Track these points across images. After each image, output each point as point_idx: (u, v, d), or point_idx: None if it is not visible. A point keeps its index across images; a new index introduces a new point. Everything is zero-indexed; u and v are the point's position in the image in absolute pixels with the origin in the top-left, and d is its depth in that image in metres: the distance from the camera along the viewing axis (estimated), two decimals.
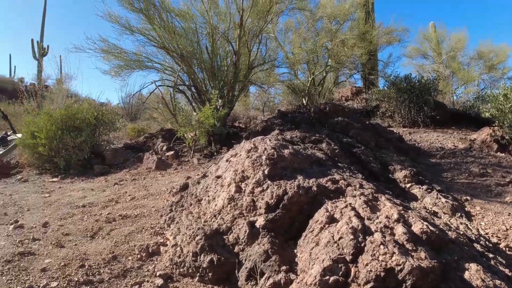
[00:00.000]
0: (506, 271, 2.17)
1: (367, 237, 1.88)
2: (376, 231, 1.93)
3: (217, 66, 7.29)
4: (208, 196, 3.26)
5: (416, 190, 4.36)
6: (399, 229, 1.92)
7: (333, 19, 9.04)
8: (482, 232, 3.75)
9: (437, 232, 2.04)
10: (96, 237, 3.26)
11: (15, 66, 30.41)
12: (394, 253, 1.74)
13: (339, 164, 3.78)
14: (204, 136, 6.26)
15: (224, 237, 2.59)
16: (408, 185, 4.43)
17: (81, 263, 2.66)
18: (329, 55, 9.38)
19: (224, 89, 7.14)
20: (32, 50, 23.83)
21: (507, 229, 3.83)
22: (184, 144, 6.68)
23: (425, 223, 2.08)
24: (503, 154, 7.08)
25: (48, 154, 6.04)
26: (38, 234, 3.26)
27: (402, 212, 2.15)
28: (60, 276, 2.47)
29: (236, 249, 2.48)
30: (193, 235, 2.60)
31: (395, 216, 2.06)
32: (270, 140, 3.48)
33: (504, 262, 2.40)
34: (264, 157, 3.07)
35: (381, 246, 1.78)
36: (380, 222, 2.00)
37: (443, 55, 14.53)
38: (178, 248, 2.66)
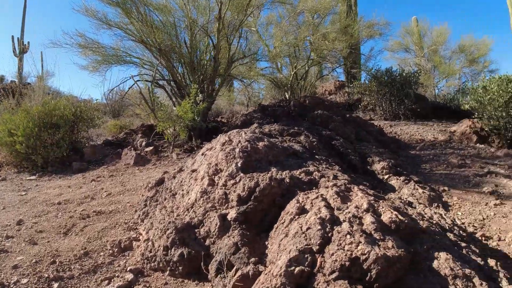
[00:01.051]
0: (479, 260, 2.16)
1: (335, 227, 1.85)
2: (344, 221, 1.90)
3: (197, 60, 7.20)
4: (183, 190, 3.21)
5: (394, 181, 4.37)
6: (368, 219, 1.90)
7: (315, 13, 9.01)
8: (458, 222, 3.76)
9: (406, 221, 2.02)
10: (70, 234, 3.24)
11: None
12: (360, 242, 1.72)
13: (317, 157, 3.76)
14: (184, 131, 6.18)
15: (196, 230, 2.54)
16: (386, 177, 4.45)
17: (52, 259, 2.66)
18: (311, 49, 9.35)
19: (204, 83, 7.05)
20: (12, 47, 23.35)
21: (483, 219, 3.85)
22: (165, 140, 6.59)
23: (395, 212, 2.05)
24: (483, 145, 7.17)
25: (26, 151, 5.92)
26: (12, 232, 3.25)
27: (373, 202, 2.13)
28: (31, 272, 2.47)
29: (207, 242, 2.43)
30: (164, 229, 2.55)
31: (365, 206, 2.04)
32: (245, 133, 3.43)
33: (478, 252, 2.40)
34: (237, 150, 3.03)
35: (348, 236, 1.75)
36: (349, 212, 1.98)
37: (424, 49, 14.68)
38: (150, 243, 2.61)
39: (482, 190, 4.54)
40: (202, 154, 3.59)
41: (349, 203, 2.14)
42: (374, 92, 9.01)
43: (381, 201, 2.27)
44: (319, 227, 1.83)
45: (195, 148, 6.11)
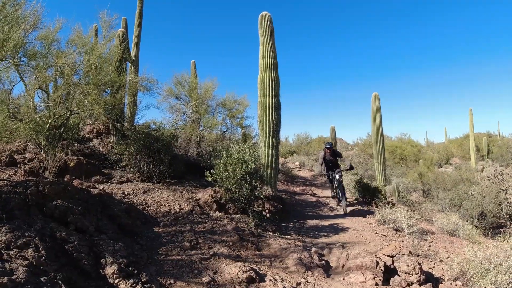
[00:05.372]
0: None
1: None
2: None
3: None
4: None
5: (123, 286, 4.72)
6: None
7: (75, 70, 8.76)
8: None
9: None
10: None
11: None
12: None
13: (43, 279, 3.80)
14: None
15: None
16: (116, 281, 4.74)
17: None
18: (70, 103, 9.03)
19: None
20: None
21: None
22: None
23: None
24: (220, 214, 8.45)
25: None
26: None
27: None
28: None
29: None
30: None
31: None
32: None
33: None
34: None
35: None
36: None
37: (193, 100, 16.07)
38: None
39: (201, 280, 5.24)
40: None
41: None
42: (132, 156, 9.40)
43: None
44: None
45: None
